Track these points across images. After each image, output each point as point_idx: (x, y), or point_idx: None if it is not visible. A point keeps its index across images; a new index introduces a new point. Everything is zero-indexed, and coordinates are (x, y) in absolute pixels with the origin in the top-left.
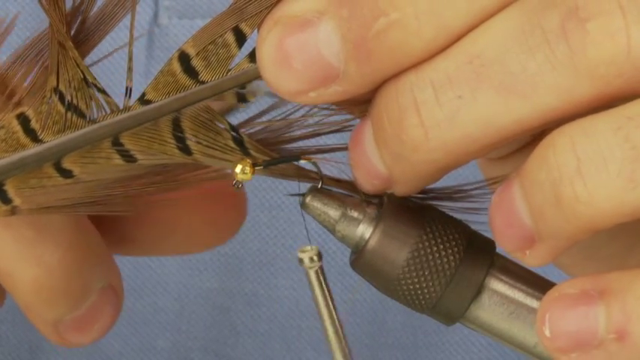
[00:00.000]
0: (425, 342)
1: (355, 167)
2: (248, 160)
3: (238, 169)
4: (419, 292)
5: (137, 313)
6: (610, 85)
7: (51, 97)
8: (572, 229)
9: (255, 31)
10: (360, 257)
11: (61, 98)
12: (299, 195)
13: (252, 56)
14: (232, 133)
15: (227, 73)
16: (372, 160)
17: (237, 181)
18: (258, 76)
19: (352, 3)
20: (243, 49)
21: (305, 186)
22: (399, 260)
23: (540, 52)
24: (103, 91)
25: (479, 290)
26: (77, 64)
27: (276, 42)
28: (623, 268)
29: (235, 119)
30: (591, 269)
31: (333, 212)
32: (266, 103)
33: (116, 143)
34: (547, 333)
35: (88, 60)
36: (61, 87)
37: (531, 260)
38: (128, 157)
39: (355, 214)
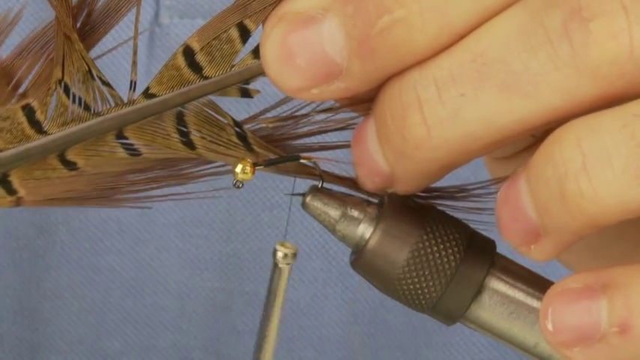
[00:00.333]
0: (426, 342)
1: (357, 165)
2: (248, 160)
3: (239, 168)
4: (419, 291)
5: (138, 312)
6: (613, 85)
7: (56, 89)
8: (577, 225)
9: (260, 27)
10: (360, 257)
11: (66, 90)
12: (299, 195)
13: (256, 52)
14: (236, 128)
15: (231, 68)
16: (374, 158)
17: (238, 180)
18: (262, 73)
19: (357, 0)
20: (247, 45)
21: (305, 185)
22: (399, 260)
23: (543, 52)
24: (107, 84)
25: (479, 290)
26: (82, 57)
27: (280, 38)
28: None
29: (240, 115)
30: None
31: (333, 212)
32: (272, 100)
33: (120, 136)
34: (550, 327)
35: (91, 54)
36: (66, 79)
37: (536, 255)
38: (132, 150)
39: (355, 213)
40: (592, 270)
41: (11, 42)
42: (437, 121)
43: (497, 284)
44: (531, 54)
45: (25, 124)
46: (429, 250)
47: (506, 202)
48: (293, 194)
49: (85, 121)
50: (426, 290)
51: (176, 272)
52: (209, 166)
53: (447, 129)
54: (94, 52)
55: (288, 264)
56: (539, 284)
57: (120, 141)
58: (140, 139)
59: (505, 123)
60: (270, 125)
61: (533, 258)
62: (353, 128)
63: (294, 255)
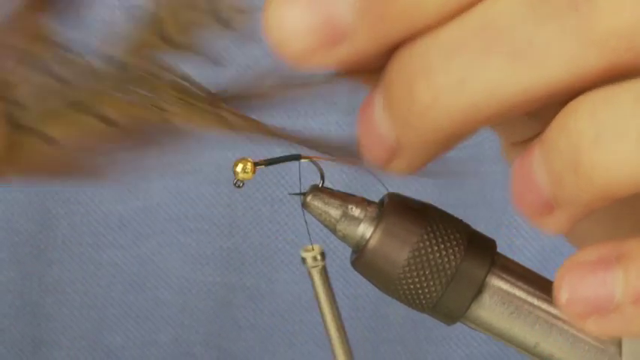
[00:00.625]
0: (426, 336)
1: (361, 135)
2: (249, 159)
3: (239, 167)
4: (419, 291)
5: (139, 307)
6: (620, 58)
7: None
8: (589, 197)
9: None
10: (360, 257)
11: None
12: (300, 194)
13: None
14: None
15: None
16: (379, 128)
17: (238, 180)
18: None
19: None
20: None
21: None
22: (399, 260)
23: (551, 22)
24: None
25: (480, 290)
26: None
27: (285, 1)
28: None
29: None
30: None
31: (333, 211)
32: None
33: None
34: (564, 298)
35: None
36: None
37: (549, 227)
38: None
39: (356, 213)
40: (607, 241)
41: None
42: (443, 87)
43: (498, 284)
44: (539, 24)
45: None
46: (429, 250)
47: (520, 173)
48: (293, 194)
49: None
50: (426, 290)
51: (177, 267)
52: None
53: (453, 96)
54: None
55: (317, 266)
56: (539, 284)
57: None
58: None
59: (511, 93)
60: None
61: (545, 230)
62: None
63: (322, 254)
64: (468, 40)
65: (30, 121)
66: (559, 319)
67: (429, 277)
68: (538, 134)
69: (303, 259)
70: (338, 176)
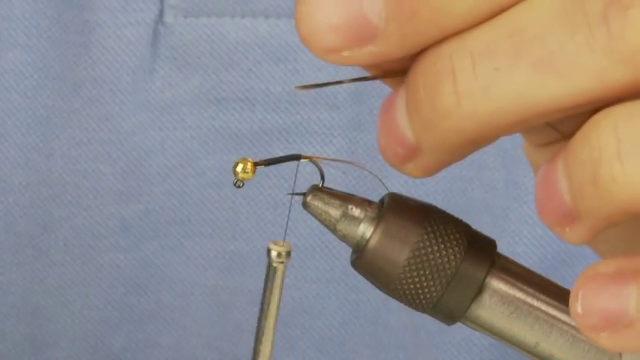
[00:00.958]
0: (427, 342)
1: (382, 133)
2: (249, 159)
3: (239, 167)
4: (420, 291)
5: (142, 309)
6: None
7: None
8: (609, 210)
9: None
10: (360, 257)
11: None
12: (300, 194)
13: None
14: None
15: None
16: (400, 127)
17: (239, 179)
18: None
19: None
20: None
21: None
22: (399, 259)
23: (580, 34)
24: None
25: (480, 290)
26: None
27: None
28: None
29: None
30: None
31: (334, 211)
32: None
33: None
34: (579, 310)
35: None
36: None
37: (570, 237)
38: None
39: (356, 213)
40: (625, 255)
41: (15, 39)
42: (468, 92)
43: (498, 284)
44: (569, 35)
45: None
46: (429, 250)
47: (543, 182)
48: (293, 194)
49: None
50: (426, 290)
51: (180, 270)
52: None
53: (477, 101)
54: (95, 50)
55: (282, 262)
56: (539, 284)
57: None
58: None
59: (535, 101)
60: (303, 90)
61: (567, 240)
62: None
63: (289, 253)
64: (496, 46)
65: None
66: (559, 319)
67: (429, 277)
68: (562, 137)
69: (269, 251)
70: (338, 176)
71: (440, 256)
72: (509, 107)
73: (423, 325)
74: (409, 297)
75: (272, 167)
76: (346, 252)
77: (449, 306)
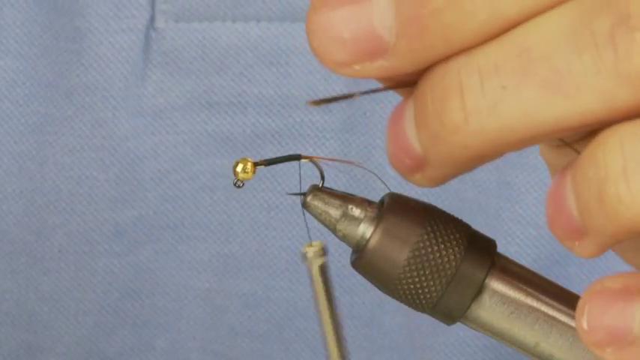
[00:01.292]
0: (421, 344)
1: (390, 143)
2: (249, 159)
3: (239, 167)
4: (419, 291)
5: (136, 313)
6: None
7: None
8: (614, 229)
9: None
10: (360, 257)
11: None
12: (300, 194)
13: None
14: None
15: None
16: (408, 138)
17: (239, 180)
18: None
19: None
20: None
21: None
22: (399, 260)
23: (588, 55)
24: None
25: (480, 290)
26: None
27: (330, 9)
28: None
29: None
30: None
31: (334, 211)
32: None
33: None
34: (585, 325)
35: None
36: None
37: (580, 251)
38: None
39: (356, 213)
40: (633, 272)
41: (6, 47)
42: (475, 109)
43: (498, 284)
44: (576, 56)
45: None
46: (429, 250)
47: (553, 197)
48: (293, 194)
49: None
50: (426, 290)
51: (174, 274)
52: None
53: (484, 118)
54: (87, 57)
55: (321, 257)
56: (539, 284)
57: None
58: None
59: (542, 120)
60: (315, 105)
61: (577, 254)
62: None
63: (323, 249)
64: (505, 64)
65: None
66: (559, 319)
67: (429, 277)
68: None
69: (304, 254)
70: (338, 176)
71: (440, 256)
72: (516, 125)
73: (417, 327)
74: (409, 297)
75: (265, 170)
76: (340, 254)
77: (449, 306)
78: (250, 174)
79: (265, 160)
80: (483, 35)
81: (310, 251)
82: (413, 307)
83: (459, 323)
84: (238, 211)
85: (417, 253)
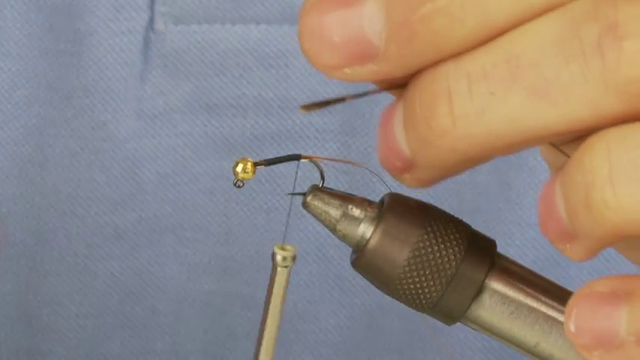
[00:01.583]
0: (421, 346)
1: (380, 144)
2: (249, 159)
3: (239, 167)
4: (420, 291)
5: (136, 316)
6: (639, 104)
7: None
8: (602, 233)
9: None
10: (360, 257)
11: None
12: (300, 194)
13: None
14: None
15: None
16: (397, 141)
17: (239, 180)
18: None
19: None
20: None
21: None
22: (399, 260)
23: (575, 63)
24: None
25: (480, 290)
26: None
27: (320, 13)
28: None
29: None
30: None
31: (334, 211)
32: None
33: None
34: (572, 328)
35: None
36: None
37: (571, 254)
38: None
39: (356, 213)
40: (621, 275)
41: (6, 49)
42: (463, 114)
43: (498, 284)
44: (564, 64)
45: None
46: (429, 250)
47: (543, 199)
48: (293, 194)
49: None
50: (426, 290)
51: (174, 276)
52: None
53: (471, 124)
54: (87, 59)
55: (287, 266)
56: (539, 284)
57: None
58: None
59: (529, 126)
60: (307, 111)
61: (569, 257)
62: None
63: (294, 257)
64: (493, 70)
65: None
66: (559, 319)
67: (429, 277)
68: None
69: (274, 254)
70: (338, 176)
71: (440, 256)
72: (503, 131)
73: (416, 329)
74: (409, 297)
75: (265, 172)
76: (339, 256)
77: (449, 306)
78: (250, 174)
79: (265, 160)
80: (472, 41)
81: (281, 254)
82: (413, 307)
83: (459, 324)
84: (238, 214)
85: (417, 253)
